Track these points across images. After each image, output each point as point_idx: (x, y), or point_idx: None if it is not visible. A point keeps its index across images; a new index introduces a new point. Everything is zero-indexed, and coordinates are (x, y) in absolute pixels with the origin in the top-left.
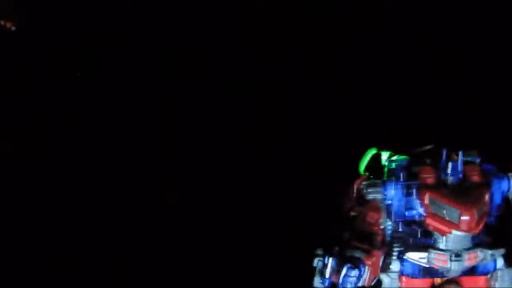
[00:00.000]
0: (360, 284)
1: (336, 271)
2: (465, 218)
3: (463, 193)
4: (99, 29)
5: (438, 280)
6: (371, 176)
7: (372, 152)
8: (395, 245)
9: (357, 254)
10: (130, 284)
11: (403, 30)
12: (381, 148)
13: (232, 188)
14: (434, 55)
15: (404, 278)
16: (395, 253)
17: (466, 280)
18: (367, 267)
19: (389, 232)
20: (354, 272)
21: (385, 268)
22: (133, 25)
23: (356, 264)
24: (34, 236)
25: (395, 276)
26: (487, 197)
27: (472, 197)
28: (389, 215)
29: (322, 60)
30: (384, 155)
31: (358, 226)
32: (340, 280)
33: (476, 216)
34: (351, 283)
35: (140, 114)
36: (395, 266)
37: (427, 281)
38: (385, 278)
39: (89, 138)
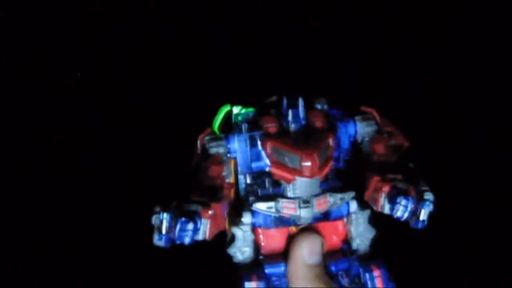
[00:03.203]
0: (200, 238)
1: (173, 226)
2: (306, 163)
3: (304, 139)
4: None
5: (293, 229)
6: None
7: (225, 109)
8: (249, 198)
9: (194, 207)
10: None
11: None
12: (234, 104)
13: None
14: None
15: (259, 230)
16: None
17: (323, 226)
18: (204, 220)
19: (243, 185)
20: (189, 226)
21: (237, 222)
22: None
23: (192, 217)
24: None
25: (247, 228)
26: (330, 141)
27: (314, 142)
28: (236, 168)
29: None
30: (235, 110)
31: (200, 181)
32: (176, 235)
33: (317, 161)
34: (187, 237)
35: None
36: (246, 218)
37: (282, 231)
38: (237, 232)
39: None
